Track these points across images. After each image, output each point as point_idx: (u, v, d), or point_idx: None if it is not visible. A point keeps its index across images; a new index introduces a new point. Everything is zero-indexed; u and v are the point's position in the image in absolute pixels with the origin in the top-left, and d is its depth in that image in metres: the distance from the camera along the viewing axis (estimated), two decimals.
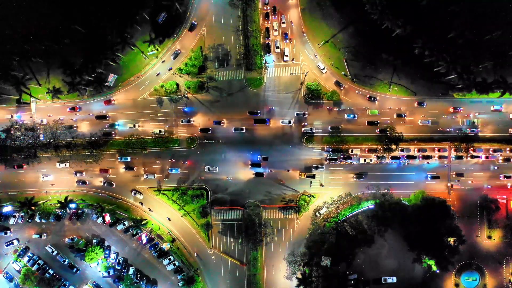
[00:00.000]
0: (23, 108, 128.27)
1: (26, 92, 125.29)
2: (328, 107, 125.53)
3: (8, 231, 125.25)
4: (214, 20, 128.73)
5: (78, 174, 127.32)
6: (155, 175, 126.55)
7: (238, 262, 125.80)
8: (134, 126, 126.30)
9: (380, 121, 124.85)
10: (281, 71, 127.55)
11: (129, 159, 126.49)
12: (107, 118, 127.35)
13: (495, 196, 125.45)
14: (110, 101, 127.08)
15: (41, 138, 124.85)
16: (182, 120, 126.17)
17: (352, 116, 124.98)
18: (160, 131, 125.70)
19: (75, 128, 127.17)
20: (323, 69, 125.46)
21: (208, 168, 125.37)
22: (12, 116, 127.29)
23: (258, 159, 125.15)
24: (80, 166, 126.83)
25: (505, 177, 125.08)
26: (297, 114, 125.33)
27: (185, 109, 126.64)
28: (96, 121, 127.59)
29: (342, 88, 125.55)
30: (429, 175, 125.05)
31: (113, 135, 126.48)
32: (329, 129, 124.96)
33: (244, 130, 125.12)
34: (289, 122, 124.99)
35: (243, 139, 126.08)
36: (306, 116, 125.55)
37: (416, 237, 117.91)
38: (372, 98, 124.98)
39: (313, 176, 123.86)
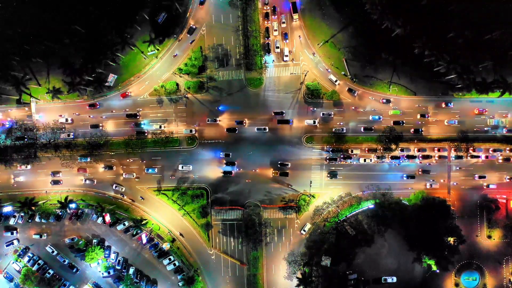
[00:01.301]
0: (45, 108, 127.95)
1: (26, 92, 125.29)
2: (352, 108, 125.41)
3: (15, 231, 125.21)
4: (214, 20, 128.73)
5: (55, 175, 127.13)
6: (134, 174, 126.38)
7: (238, 262, 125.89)
8: (160, 127, 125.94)
9: (405, 121, 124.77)
10: (281, 71, 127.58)
11: (88, 159, 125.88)
12: (138, 117, 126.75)
13: (495, 195, 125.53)
14: (127, 94, 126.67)
15: (71, 136, 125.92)
16: (208, 120, 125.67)
17: (377, 118, 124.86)
18: (160, 126, 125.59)
19: (100, 128, 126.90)
20: (336, 81, 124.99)
21: (182, 167, 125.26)
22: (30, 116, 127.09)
23: (221, 156, 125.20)
24: (81, 165, 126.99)
25: (480, 177, 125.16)
26: (323, 114, 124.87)
27: (219, 108, 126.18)
28: (123, 120, 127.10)
29: (355, 95, 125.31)
30: (404, 175, 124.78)
31: (146, 134, 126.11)
32: (362, 130, 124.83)
33: (267, 130, 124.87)
34: (314, 122, 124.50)
35: (243, 139, 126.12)
36: (332, 116, 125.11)
37: (416, 237, 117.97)
38: (387, 101, 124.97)
39: (286, 174, 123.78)
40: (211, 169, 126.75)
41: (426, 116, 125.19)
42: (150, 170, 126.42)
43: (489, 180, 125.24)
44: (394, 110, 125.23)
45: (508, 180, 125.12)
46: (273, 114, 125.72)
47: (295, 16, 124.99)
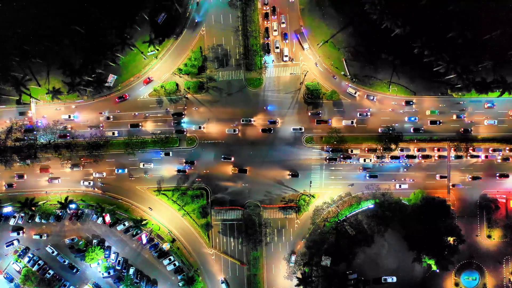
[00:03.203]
0: (59, 106, 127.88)
1: (26, 92, 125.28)
2: (390, 109, 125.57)
3: (21, 231, 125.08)
4: (214, 20, 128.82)
5: (17, 177, 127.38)
6: (104, 173, 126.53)
7: (238, 262, 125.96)
8: (200, 127, 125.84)
9: (442, 121, 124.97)
10: (280, 71, 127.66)
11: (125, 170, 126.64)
12: (183, 116, 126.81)
13: (495, 195, 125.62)
14: (149, 79, 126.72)
15: (114, 134, 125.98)
16: (242, 120, 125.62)
17: (413, 119, 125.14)
18: (199, 127, 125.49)
19: (140, 127, 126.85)
20: (355, 92, 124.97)
21: (143, 165, 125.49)
22: (57, 120, 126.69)
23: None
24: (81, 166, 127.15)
25: (441, 177, 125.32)
26: (360, 114, 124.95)
27: (268, 107, 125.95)
28: (164, 118, 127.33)
29: (374, 100, 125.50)
30: (367, 174, 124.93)
31: (185, 133, 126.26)
32: (411, 131, 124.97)
33: (303, 130, 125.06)
34: (352, 122, 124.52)
35: (243, 139, 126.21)
36: (369, 116, 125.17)
37: (416, 237, 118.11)
38: (410, 103, 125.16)
39: (245, 171, 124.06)
40: (209, 168, 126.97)
41: (462, 116, 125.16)
42: (120, 171, 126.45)
43: (454, 180, 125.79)
44: (432, 110, 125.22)
45: (470, 180, 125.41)
46: (309, 114, 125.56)
47: (305, 45, 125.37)
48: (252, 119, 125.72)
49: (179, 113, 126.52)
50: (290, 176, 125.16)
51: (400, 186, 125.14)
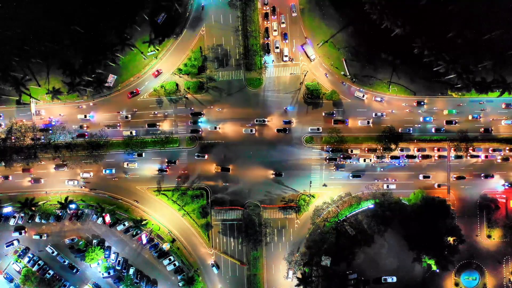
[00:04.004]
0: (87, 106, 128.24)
1: (26, 93, 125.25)
2: (408, 110, 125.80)
3: (23, 231, 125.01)
4: (214, 20, 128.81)
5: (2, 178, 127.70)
6: (91, 173, 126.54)
7: (238, 262, 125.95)
8: (215, 128, 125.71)
9: (457, 121, 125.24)
10: (280, 71, 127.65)
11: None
12: (202, 115, 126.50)
13: (495, 195, 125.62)
14: (158, 71, 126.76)
15: (134, 133, 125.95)
16: (256, 120, 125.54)
17: (428, 119, 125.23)
18: (215, 127, 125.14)
19: (158, 126, 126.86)
20: (363, 96, 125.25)
21: (127, 164, 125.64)
22: (80, 124, 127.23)
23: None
24: (80, 166, 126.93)
25: (424, 177, 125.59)
26: (375, 115, 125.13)
27: (288, 108, 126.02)
28: (180, 118, 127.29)
29: (383, 101, 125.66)
30: (350, 174, 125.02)
31: (200, 133, 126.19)
32: (432, 131, 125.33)
33: (320, 130, 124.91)
34: (368, 122, 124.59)
35: (243, 139, 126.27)
36: (384, 117, 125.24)
37: (416, 237, 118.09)
38: (422, 103, 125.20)
39: (228, 170, 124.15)
40: (209, 169, 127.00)
41: (478, 117, 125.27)
42: (107, 171, 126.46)
43: (437, 180, 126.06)
44: (450, 110, 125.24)
45: (454, 179, 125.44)
46: (324, 114, 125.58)
47: (312, 55, 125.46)
48: (266, 119, 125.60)
49: (198, 112, 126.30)
50: (274, 176, 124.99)
51: (388, 186, 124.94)
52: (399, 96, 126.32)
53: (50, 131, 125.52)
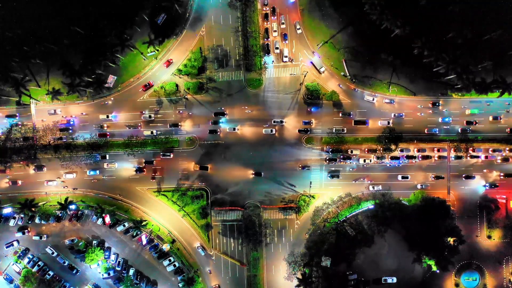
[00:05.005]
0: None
1: (26, 93, 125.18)
2: (426, 112, 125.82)
3: (26, 231, 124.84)
4: (214, 21, 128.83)
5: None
6: (75, 174, 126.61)
7: (238, 262, 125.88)
8: (234, 129, 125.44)
9: (477, 122, 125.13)
10: (280, 71, 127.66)
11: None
12: (225, 115, 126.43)
13: (495, 195, 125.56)
14: (169, 61, 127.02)
15: (153, 133, 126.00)
16: (274, 121, 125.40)
17: (447, 119, 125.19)
18: (234, 128, 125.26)
19: (180, 126, 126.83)
20: (373, 99, 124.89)
21: (107, 165, 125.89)
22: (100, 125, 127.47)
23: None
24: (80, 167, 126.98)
25: (403, 177, 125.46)
26: (395, 115, 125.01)
27: (312, 110, 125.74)
28: (198, 117, 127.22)
29: (393, 103, 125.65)
30: (329, 174, 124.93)
31: (218, 133, 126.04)
32: (459, 131, 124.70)
33: (345, 131, 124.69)
34: (388, 123, 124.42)
35: (243, 139, 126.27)
36: (403, 117, 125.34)
37: (416, 237, 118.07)
38: (437, 104, 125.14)
39: (206, 169, 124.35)
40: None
41: (499, 118, 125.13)
42: (91, 172, 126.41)
43: (418, 180, 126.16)
44: (472, 110, 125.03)
45: (432, 179, 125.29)
46: (340, 115, 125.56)
47: (321, 68, 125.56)
48: (284, 120, 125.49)
49: (221, 112, 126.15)
50: (253, 175, 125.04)
51: (373, 187, 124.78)
52: (412, 97, 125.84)
53: (70, 130, 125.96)
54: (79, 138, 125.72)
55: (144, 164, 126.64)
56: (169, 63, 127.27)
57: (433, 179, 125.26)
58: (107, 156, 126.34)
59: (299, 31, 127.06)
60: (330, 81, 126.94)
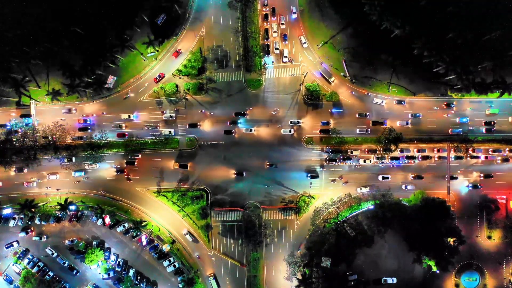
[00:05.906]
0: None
1: (26, 94, 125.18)
2: (447, 115, 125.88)
3: (29, 230, 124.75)
4: (213, 21, 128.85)
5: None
6: (57, 175, 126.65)
7: (238, 263, 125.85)
8: (251, 130, 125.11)
9: (497, 122, 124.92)
10: (280, 72, 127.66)
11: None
12: (246, 115, 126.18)
13: (495, 196, 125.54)
14: (178, 51, 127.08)
15: (172, 133, 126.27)
16: (291, 122, 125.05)
17: (464, 119, 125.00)
18: (250, 129, 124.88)
19: (199, 126, 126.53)
20: (382, 102, 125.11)
21: (88, 166, 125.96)
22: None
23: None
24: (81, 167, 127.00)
25: (383, 177, 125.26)
26: (411, 115, 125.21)
27: (333, 110, 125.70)
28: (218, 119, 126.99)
29: (405, 104, 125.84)
30: (309, 175, 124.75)
31: (234, 133, 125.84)
32: (483, 131, 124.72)
33: (369, 132, 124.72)
34: (407, 123, 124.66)
35: (243, 140, 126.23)
36: (421, 117, 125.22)
37: (416, 238, 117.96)
38: (451, 105, 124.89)
39: (186, 167, 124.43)
40: (211, 170, 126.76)
41: None
42: (77, 173, 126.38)
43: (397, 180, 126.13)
44: (493, 109, 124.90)
45: (412, 179, 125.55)
46: (357, 116, 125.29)
47: (331, 79, 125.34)
48: (301, 121, 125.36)
49: (242, 112, 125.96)
50: (235, 175, 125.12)
51: (361, 189, 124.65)
52: (428, 98, 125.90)
53: (89, 130, 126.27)
54: (98, 137, 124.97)
55: (126, 165, 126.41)
56: (177, 53, 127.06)
57: (412, 178, 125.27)
58: (73, 158, 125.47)
59: (305, 45, 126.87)
60: (340, 89, 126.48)
